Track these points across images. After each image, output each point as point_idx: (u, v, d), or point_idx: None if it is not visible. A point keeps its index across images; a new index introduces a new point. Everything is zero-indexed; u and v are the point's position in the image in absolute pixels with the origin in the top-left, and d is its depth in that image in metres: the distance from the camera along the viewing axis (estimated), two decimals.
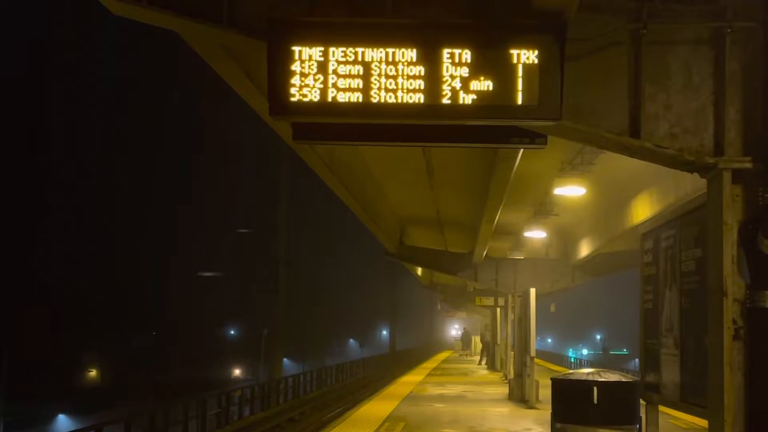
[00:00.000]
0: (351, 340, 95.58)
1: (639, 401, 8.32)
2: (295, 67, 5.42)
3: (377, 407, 17.59)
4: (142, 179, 68.70)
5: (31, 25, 59.49)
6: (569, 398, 8.17)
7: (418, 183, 16.95)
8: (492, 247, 22.42)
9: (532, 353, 17.99)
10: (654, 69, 6.03)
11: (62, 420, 46.32)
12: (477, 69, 5.40)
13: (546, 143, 6.37)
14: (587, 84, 6.01)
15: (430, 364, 40.78)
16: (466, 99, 5.42)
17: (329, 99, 5.43)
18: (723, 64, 5.97)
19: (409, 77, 5.42)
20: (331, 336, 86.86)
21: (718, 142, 5.97)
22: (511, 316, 25.75)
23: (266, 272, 46.73)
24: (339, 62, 5.42)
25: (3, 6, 55.72)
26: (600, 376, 8.14)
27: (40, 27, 60.24)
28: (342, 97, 5.42)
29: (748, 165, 5.86)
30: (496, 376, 29.17)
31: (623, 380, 8.19)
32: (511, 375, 22.11)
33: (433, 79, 5.41)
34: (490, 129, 6.16)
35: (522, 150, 10.33)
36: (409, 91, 5.43)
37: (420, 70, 5.42)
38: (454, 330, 76.97)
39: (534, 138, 6.26)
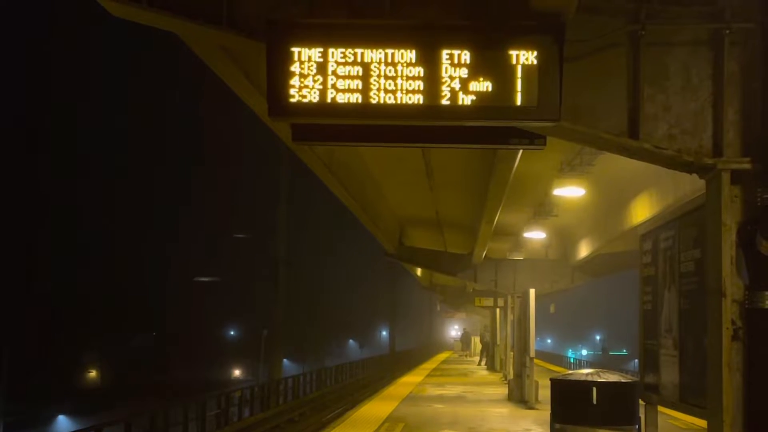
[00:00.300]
0: (351, 340, 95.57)
1: (638, 402, 8.33)
2: (295, 68, 5.42)
3: (377, 408, 17.60)
4: (142, 179, 68.79)
5: (32, 25, 59.53)
6: (569, 399, 8.18)
7: (417, 184, 16.95)
8: (491, 248, 22.43)
9: (532, 354, 18.00)
10: (653, 70, 6.04)
11: (62, 421, 46.31)
12: (476, 70, 5.41)
13: (545, 144, 6.38)
14: (586, 85, 6.01)
15: (429, 365, 40.78)
16: (465, 100, 5.42)
17: (328, 100, 5.43)
18: (721, 65, 5.98)
19: (408, 78, 5.43)
20: (330, 337, 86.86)
21: (717, 143, 5.97)
22: (510, 317, 25.75)
23: (266, 272, 46.71)
24: (338, 63, 5.42)
25: (3, 6, 55.74)
26: (599, 376, 8.15)
27: (41, 27, 60.29)
28: (341, 98, 5.43)
29: (747, 166, 5.86)
30: (495, 377, 29.17)
31: (622, 381, 8.21)
32: (511, 375, 22.10)
33: (432, 80, 5.42)
34: (489, 130, 6.17)
35: (521, 151, 10.34)
36: (408, 92, 5.43)
37: (419, 71, 5.42)
38: (454, 331, 76.97)
39: (533, 139, 6.27)
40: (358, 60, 5.42)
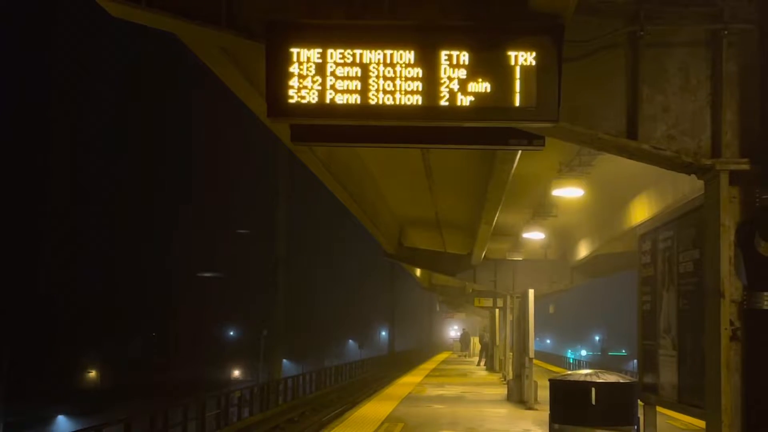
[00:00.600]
0: (350, 341, 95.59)
1: (637, 402, 8.34)
2: (294, 68, 5.43)
3: (376, 408, 17.61)
4: (142, 180, 68.76)
5: (32, 25, 59.50)
6: (567, 399, 8.19)
7: (416, 184, 16.95)
8: (491, 249, 22.43)
9: (531, 354, 18.01)
10: (651, 71, 6.05)
11: (62, 421, 46.34)
12: (475, 71, 5.41)
13: (544, 145, 6.39)
14: (585, 86, 6.02)
15: (429, 365, 40.81)
16: (464, 101, 5.42)
17: (327, 101, 5.43)
18: (720, 66, 5.98)
19: (406, 79, 5.43)
20: (330, 337, 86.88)
21: (716, 144, 5.98)
22: (509, 317, 25.75)
23: (266, 273, 46.76)
24: (337, 64, 5.43)
25: (4, 5, 55.73)
26: (598, 377, 8.16)
27: (41, 27, 60.25)
28: (340, 99, 5.43)
29: (746, 166, 5.87)
30: (494, 377, 29.19)
31: (621, 381, 8.21)
32: (510, 376, 22.12)
33: (431, 80, 5.42)
34: (488, 131, 6.19)
35: (520, 151, 10.34)
36: (407, 92, 5.43)
37: (418, 71, 5.43)
38: (453, 331, 76.99)
39: (532, 139, 6.29)
40: (357, 61, 5.42)
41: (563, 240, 23.42)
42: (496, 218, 16.59)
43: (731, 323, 5.84)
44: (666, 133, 6.04)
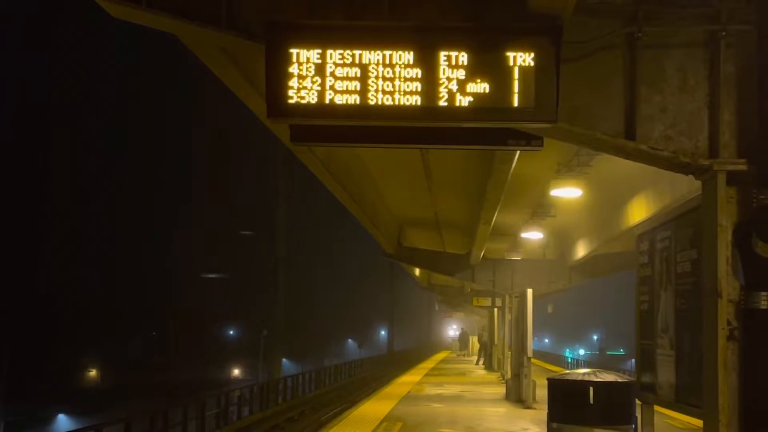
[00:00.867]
0: (349, 340, 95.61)
1: (635, 401, 8.37)
2: (293, 69, 5.45)
3: (375, 407, 17.63)
4: (142, 179, 68.75)
5: (32, 25, 59.48)
6: (565, 398, 8.21)
7: (416, 184, 16.98)
8: (489, 248, 22.47)
9: (529, 353, 18.05)
10: (649, 72, 6.07)
11: (62, 420, 46.38)
12: (473, 71, 5.44)
13: (542, 145, 6.42)
14: (583, 86, 6.04)
15: (428, 365, 40.83)
16: (463, 101, 5.45)
17: (327, 101, 5.45)
18: (718, 66, 6.01)
19: (406, 79, 5.45)
20: (329, 336, 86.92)
21: (713, 144, 6.00)
22: (508, 317, 25.78)
23: (266, 272, 46.77)
24: (336, 64, 5.45)
25: (4, 5, 55.72)
26: (596, 376, 8.18)
27: (41, 27, 60.24)
28: (339, 99, 5.45)
29: (743, 167, 5.89)
30: (493, 377, 29.21)
31: (619, 380, 8.24)
32: (509, 375, 22.14)
33: (430, 81, 5.45)
34: (487, 131, 6.21)
35: (519, 152, 10.37)
36: (406, 93, 5.46)
37: (417, 72, 5.45)
38: (452, 330, 76.98)
39: (530, 140, 6.31)
40: (357, 61, 5.45)
41: (562, 240, 23.46)
42: (494, 218, 16.62)
43: (728, 323, 5.86)
44: (664, 133, 6.06)
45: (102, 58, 66.90)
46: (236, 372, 68.30)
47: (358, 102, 5.45)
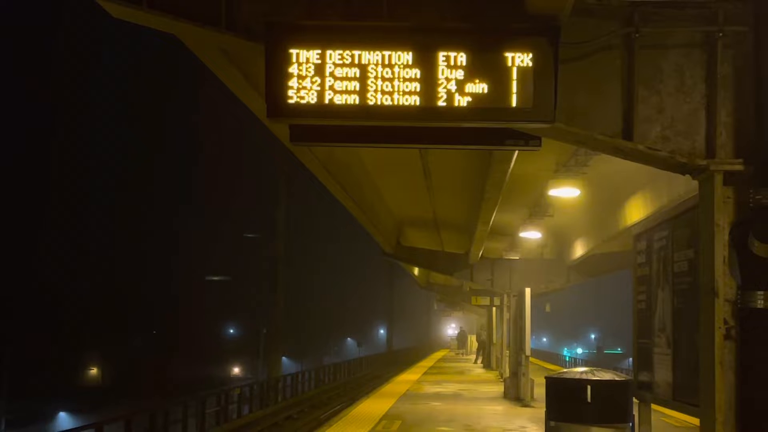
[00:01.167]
0: (349, 339, 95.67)
1: (632, 400, 8.40)
2: (293, 69, 5.48)
3: (374, 405, 17.67)
4: (142, 179, 68.78)
5: (33, 25, 59.47)
6: (563, 397, 8.24)
7: (415, 184, 17.00)
8: (488, 248, 22.49)
9: (527, 352, 18.10)
10: (647, 72, 6.10)
11: (63, 418, 46.42)
12: (472, 72, 5.47)
13: (540, 145, 6.44)
14: (581, 87, 6.07)
15: (426, 363, 40.89)
16: (462, 101, 5.48)
17: (326, 101, 5.48)
18: (715, 67, 6.04)
19: (405, 80, 5.48)
20: (329, 335, 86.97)
21: (710, 145, 6.03)
22: (506, 316, 25.83)
23: (266, 271, 46.80)
24: (336, 65, 5.48)
25: (6, 6, 55.75)
26: (593, 374, 8.21)
27: (42, 28, 60.24)
28: (339, 100, 5.48)
29: (739, 167, 5.92)
30: (491, 375, 29.27)
31: (616, 379, 8.27)
32: (507, 374, 22.19)
33: (429, 81, 5.48)
34: (485, 131, 6.23)
35: (517, 152, 10.39)
36: (405, 93, 5.49)
37: (416, 72, 5.48)
38: (451, 329, 77.07)
39: (528, 140, 6.33)
40: (356, 62, 5.48)
41: (560, 239, 23.49)
42: (493, 218, 16.64)
43: (725, 322, 5.90)
44: (661, 133, 6.10)
45: (103, 58, 66.89)
46: (236, 370, 68.36)
47: (357, 102, 5.48)
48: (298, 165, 14.48)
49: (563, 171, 14.09)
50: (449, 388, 23.15)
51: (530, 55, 5.43)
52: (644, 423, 8.57)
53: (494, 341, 33.20)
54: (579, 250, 21.93)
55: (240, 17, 5.92)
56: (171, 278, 69.73)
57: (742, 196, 5.89)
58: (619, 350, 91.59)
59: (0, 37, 56.43)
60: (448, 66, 5.47)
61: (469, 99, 5.47)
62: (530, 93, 5.44)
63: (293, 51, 5.47)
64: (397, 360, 58.37)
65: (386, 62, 5.47)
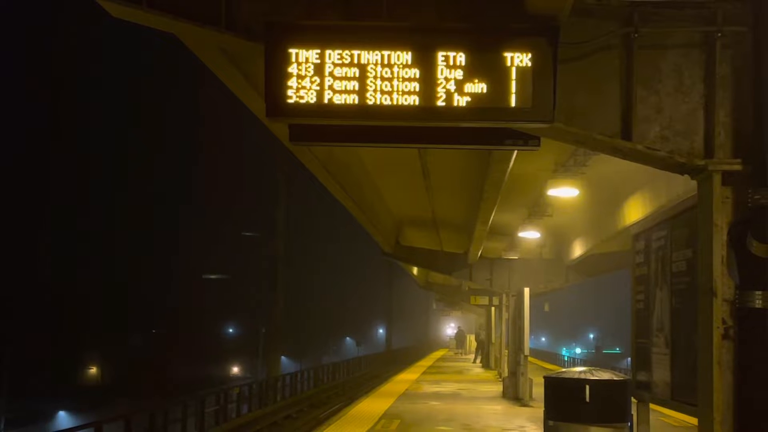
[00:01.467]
0: (348, 338, 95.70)
1: (630, 399, 8.41)
2: (292, 69, 5.49)
3: (373, 405, 17.68)
4: (142, 178, 68.86)
5: (33, 25, 59.50)
6: (562, 396, 8.24)
7: (414, 184, 17.01)
8: (487, 248, 22.49)
9: (526, 352, 18.12)
10: (646, 72, 6.11)
11: (63, 417, 46.45)
12: (471, 72, 5.48)
13: (539, 145, 6.45)
14: (580, 87, 6.08)
15: (425, 363, 40.91)
16: (461, 101, 5.49)
17: (325, 101, 5.49)
18: (713, 67, 6.05)
19: (404, 80, 5.49)
20: (328, 334, 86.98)
21: (709, 145, 6.04)
22: (505, 316, 25.85)
23: (266, 271, 46.81)
24: (335, 64, 5.49)
25: (6, 6, 55.78)
26: (592, 374, 8.21)
27: (43, 28, 60.27)
28: (338, 99, 5.49)
29: (738, 167, 5.93)
30: (490, 375, 29.29)
31: (615, 379, 8.27)
32: (505, 373, 22.20)
33: (428, 81, 5.48)
34: (484, 131, 6.24)
35: (516, 152, 10.41)
36: (404, 93, 5.49)
37: (415, 72, 5.49)
38: (450, 329, 77.11)
39: (527, 140, 6.34)
40: (355, 61, 5.49)
41: (558, 239, 23.50)
42: (492, 217, 16.65)
43: (723, 322, 5.91)
44: (660, 133, 6.11)
45: (103, 58, 66.95)
46: (235, 370, 68.37)
47: (356, 102, 5.49)
48: (298, 165, 14.48)
49: (562, 171, 14.10)
50: (448, 387, 23.17)
51: (529, 55, 5.44)
52: (643, 422, 8.58)
53: (493, 341, 33.22)
54: (578, 249, 21.94)
55: (240, 17, 5.92)
56: (171, 278, 69.79)
57: (741, 196, 5.89)
58: (617, 350, 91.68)
59: (0, 37, 56.42)
60: (448, 66, 5.48)
61: (468, 99, 5.48)
62: (529, 93, 5.45)
63: (293, 51, 5.48)
64: (396, 359, 58.37)
65: (385, 62, 5.48)
